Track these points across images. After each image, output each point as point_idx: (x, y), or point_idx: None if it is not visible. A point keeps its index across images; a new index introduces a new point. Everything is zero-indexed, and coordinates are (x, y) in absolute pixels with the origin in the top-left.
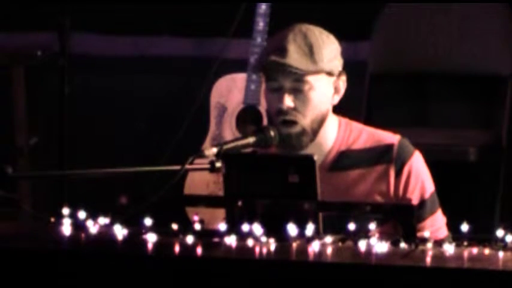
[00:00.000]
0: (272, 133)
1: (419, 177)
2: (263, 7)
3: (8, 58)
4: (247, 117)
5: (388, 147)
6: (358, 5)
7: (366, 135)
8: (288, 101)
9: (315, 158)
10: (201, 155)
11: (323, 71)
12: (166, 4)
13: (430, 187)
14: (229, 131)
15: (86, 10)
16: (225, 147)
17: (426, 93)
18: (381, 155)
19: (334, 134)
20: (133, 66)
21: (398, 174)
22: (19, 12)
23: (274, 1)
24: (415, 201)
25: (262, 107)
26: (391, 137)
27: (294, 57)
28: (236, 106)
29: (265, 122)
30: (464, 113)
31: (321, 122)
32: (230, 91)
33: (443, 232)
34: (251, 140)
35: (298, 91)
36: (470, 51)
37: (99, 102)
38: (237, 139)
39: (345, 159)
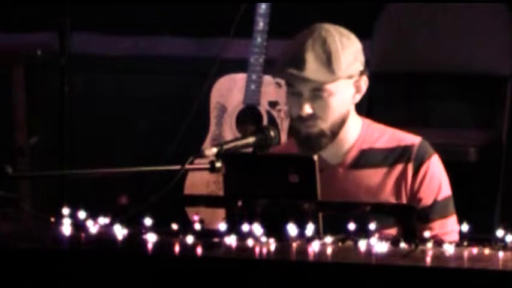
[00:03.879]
0: (272, 133)
1: (434, 179)
2: (263, 7)
3: (8, 58)
4: (247, 117)
5: (409, 147)
6: (359, 4)
7: (388, 135)
8: (307, 109)
9: (315, 158)
10: (201, 155)
11: (341, 78)
12: (167, 4)
13: (445, 191)
14: (230, 131)
15: (86, 10)
16: (225, 147)
17: (426, 93)
18: (401, 154)
19: (357, 133)
20: (134, 66)
21: (415, 173)
22: (19, 12)
23: (274, 1)
24: (426, 200)
25: (262, 107)
26: (412, 138)
27: (312, 68)
28: (236, 106)
29: (265, 122)
30: (464, 113)
31: (341, 123)
32: (230, 91)
33: (453, 238)
34: (251, 140)
35: (317, 97)
36: (470, 51)
37: (99, 101)
38: (237, 139)
39: (367, 158)
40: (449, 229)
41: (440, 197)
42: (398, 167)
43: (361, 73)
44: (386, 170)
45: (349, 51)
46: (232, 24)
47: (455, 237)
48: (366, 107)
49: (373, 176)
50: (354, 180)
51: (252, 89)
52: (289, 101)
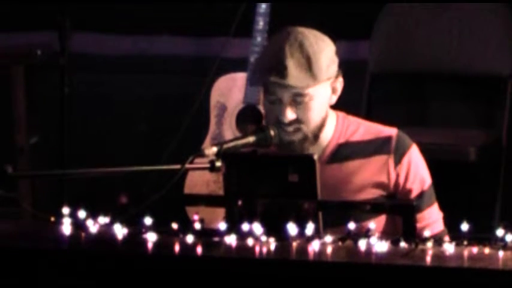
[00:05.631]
0: (272, 132)
1: (418, 169)
2: (263, 6)
3: (8, 58)
4: (247, 117)
5: (387, 139)
6: (359, 5)
7: (364, 128)
8: (289, 114)
9: (315, 157)
10: (201, 154)
11: (322, 81)
12: (166, 4)
13: (428, 179)
14: (230, 130)
15: (86, 10)
16: (225, 146)
17: (426, 93)
18: (379, 146)
19: (332, 128)
20: (133, 65)
21: (397, 165)
22: (19, 12)
23: (274, 1)
24: (415, 192)
25: (262, 106)
26: (388, 130)
27: (294, 75)
28: (236, 105)
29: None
30: (464, 113)
31: (321, 125)
32: (230, 90)
33: (439, 226)
34: (251, 139)
35: (298, 103)
36: (470, 52)
37: (99, 101)
38: (237, 138)
39: (343, 151)
40: (436, 217)
41: (426, 186)
42: (377, 158)
43: (337, 74)
44: (363, 162)
45: (325, 53)
46: (233, 24)
47: (441, 225)
48: (366, 107)
49: (350, 168)
50: (331, 174)
51: (252, 88)
52: (268, 107)
